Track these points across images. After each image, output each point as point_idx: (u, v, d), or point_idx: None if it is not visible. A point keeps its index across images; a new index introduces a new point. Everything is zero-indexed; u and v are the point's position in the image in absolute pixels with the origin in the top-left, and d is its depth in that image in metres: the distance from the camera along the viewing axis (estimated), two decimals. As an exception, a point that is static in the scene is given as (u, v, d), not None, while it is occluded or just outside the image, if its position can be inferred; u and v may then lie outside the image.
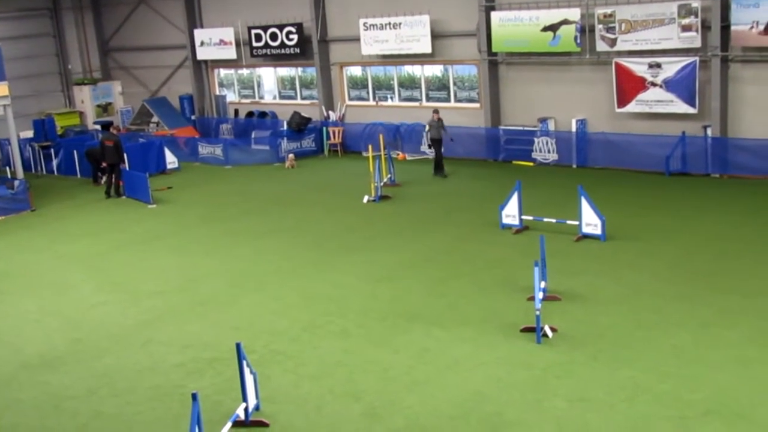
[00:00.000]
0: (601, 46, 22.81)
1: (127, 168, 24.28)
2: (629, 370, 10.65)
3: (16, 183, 23.12)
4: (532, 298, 12.45)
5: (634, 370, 10.64)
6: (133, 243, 18.77)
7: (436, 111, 23.57)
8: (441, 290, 14.22)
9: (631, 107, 22.76)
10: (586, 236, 16.51)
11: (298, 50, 29.70)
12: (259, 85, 32.85)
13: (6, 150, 28.23)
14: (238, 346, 9.66)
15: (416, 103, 28.01)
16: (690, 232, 16.68)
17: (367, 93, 29.39)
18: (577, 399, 9.99)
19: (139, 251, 18.08)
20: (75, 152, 27.30)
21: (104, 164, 23.88)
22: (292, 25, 29.58)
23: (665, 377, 10.39)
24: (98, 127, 32.15)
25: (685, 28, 21.15)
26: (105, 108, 35.67)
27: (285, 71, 31.89)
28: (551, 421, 9.55)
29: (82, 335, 13.29)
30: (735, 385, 10.09)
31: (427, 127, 23.43)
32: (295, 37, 29.60)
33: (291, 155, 27.11)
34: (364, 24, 27.50)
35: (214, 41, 32.19)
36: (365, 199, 21.13)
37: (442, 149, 23.53)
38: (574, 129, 23.90)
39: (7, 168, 27.80)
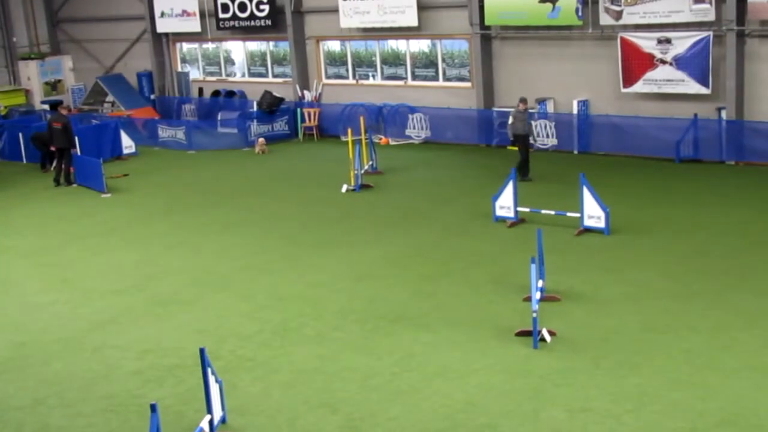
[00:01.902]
0: (606, 20, 22.84)
1: (79, 153, 24.12)
2: (636, 378, 10.67)
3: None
4: (529, 299, 12.45)
5: (641, 378, 10.67)
6: (85, 236, 18.66)
7: (523, 100, 20.92)
8: (428, 289, 14.21)
9: (638, 87, 22.83)
10: (589, 230, 16.54)
11: (269, 22, 29.58)
12: (226, 62, 32.71)
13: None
14: (202, 351, 9.61)
15: (401, 82, 27.99)
16: (702, 225, 16.75)
17: (347, 70, 29.33)
18: (579, 409, 10.00)
19: (92, 245, 17.97)
20: (21, 135, 27.10)
21: (53, 148, 23.71)
22: (262, -6, 29.52)
23: (675, 385, 10.42)
24: (46, 106, 31.95)
25: (698, 0, 21.21)
26: (54, 85, 35.45)
27: (255, 46, 31.78)
28: (550, 434, 9.57)
29: (28, 339, 13.18)
30: (752, 393, 10.12)
31: (510, 119, 20.90)
32: (266, 7, 29.47)
33: (261, 139, 27.01)
34: (343, -7, 27.47)
35: (176, 12, 32.02)
36: (344, 188, 21.10)
37: (530, 147, 21.29)
38: (575, 111, 23.96)
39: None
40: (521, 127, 20.51)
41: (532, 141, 21.51)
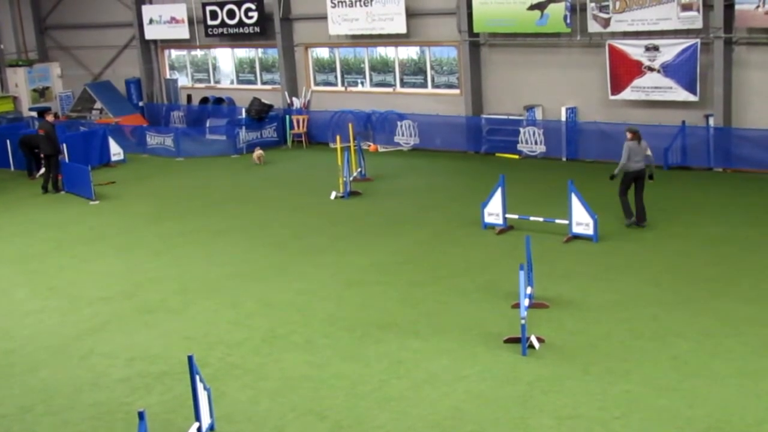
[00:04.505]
0: (594, 27, 22.90)
1: (67, 160, 24.06)
2: (624, 384, 10.69)
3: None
4: (517, 305, 12.46)
5: (629, 384, 10.68)
6: (73, 243, 18.59)
7: (632, 130, 17.16)
8: (416, 296, 14.20)
9: (626, 94, 22.88)
10: (577, 237, 16.57)
11: (258, 29, 29.58)
12: (214, 68, 32.68)
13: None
14: (190, 358, 9.58)
15: (389, 89, 28.00)
16: (690, 233, 16.79)
17: (335, 77, 29.33)
18: (567, 416, 10.01)
19: (80, 252, 17.91)
20: (8, 142, 27.01)
21: (42, 155, 23.67)
22: (251, 0, 29.45)
23: (663, 391, 10.44)
24: (34, 113, 31.86)
25: (686, 7, 21.30)
26: (42, 92, 35.33)
27: (244, 53, 31.75)
28: (538, 440, 9.58)
29: (15, 346, 13.13)
30: (739, 400, 10.16)
31: (624, 153, 16.90)
32: (254, 14, 29.48)
33: (258, 148, 26.55)
34: (332, 0, 27.43)
35: (164, 19, 31.98)
36: (333, 195, 21.09)
37: (644, 189, 17.20)
38: (563, 118, 24.00)
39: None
40: (638, 162, 16.89)
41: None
